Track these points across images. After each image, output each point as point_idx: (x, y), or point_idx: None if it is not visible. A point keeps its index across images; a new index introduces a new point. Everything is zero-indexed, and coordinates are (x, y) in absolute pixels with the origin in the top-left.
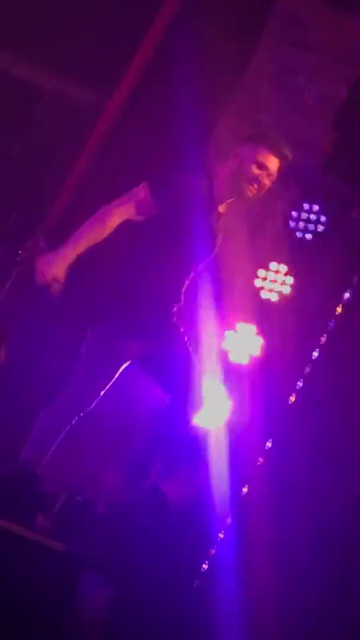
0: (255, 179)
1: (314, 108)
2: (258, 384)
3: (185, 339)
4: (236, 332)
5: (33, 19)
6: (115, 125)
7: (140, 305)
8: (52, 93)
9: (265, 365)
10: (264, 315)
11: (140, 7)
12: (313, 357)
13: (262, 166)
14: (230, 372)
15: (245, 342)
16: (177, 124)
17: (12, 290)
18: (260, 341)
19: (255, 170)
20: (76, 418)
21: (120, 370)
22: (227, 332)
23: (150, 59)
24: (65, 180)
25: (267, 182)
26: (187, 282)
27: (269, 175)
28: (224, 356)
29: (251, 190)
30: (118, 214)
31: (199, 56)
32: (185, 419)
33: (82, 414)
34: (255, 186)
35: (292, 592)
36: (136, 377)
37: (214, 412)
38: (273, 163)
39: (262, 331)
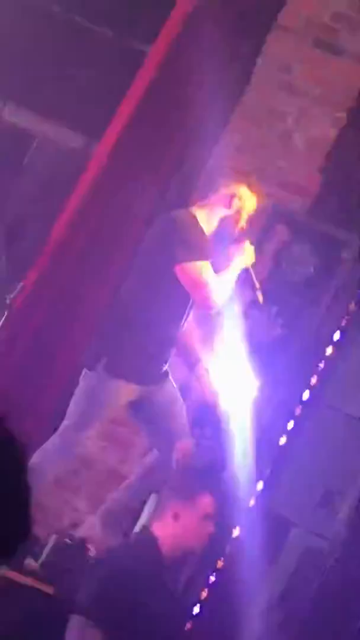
0: (243, 229)
1: (302, 151)
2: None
3: (176, 387)
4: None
5: (21, 63)
6: (104, 168)
7: (135, 348)
8: (40, 137)
9: (254, 406)
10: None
11: (129, 52)
12: (303, 399)
13: (250, 218)
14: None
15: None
16: (166, 166)
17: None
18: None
19: (246, 221)
20: (67, 461)
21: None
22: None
23: (139, 100)
24: (55, 224)
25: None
26: (182, 326)
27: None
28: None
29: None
30: None
31: (191, 93)
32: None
33: (72, 456)
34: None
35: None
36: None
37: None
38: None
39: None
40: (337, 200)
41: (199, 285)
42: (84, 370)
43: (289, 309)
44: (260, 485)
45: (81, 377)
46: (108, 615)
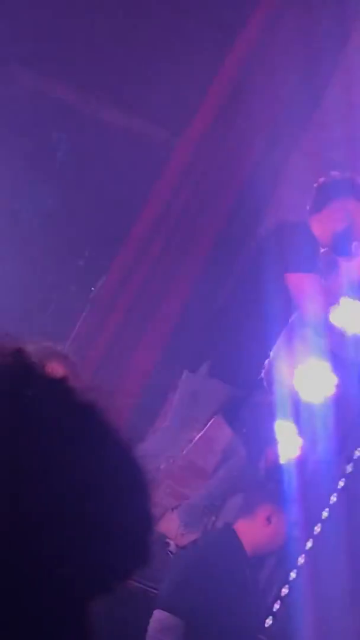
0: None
1: None
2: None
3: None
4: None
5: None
6: (187, 163)
7: (237, 353)
8: (124, 131)
9: (337, 402)
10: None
11: (211, 45)
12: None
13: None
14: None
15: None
16: (248, 163)
17: (83, 327)
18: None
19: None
20: (165, 463)
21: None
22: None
23: (221, 97)
24: (138, 219)
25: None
26: (278, 339)
27: None
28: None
29: (352, 251)
30: None
31: (270, 93)
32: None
33: (171, 460)
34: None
35: None
36: None
37: (285, 449)
38: None
39: (334, 371)
40: None
41: (308, 296)
42: (185, 373)
43: None
44: (342, 482)
45: (182, 379)
46: (189, 608)
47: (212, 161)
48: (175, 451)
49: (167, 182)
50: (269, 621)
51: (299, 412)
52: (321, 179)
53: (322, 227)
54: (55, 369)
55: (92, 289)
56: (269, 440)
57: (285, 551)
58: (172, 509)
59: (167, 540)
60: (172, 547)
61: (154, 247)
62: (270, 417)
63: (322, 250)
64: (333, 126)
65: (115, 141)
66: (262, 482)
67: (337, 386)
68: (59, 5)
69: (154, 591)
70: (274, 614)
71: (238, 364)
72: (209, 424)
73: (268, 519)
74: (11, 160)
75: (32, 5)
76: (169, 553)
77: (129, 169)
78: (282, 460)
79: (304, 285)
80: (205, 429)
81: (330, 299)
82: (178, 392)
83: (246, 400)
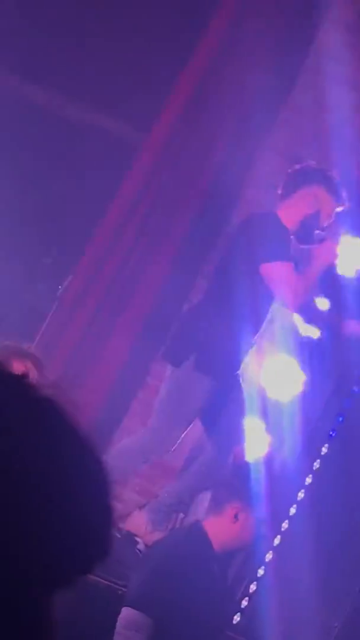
0: (324, 231)
1: (354, 144)
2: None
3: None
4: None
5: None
6: (154, 160)
7: (220, 347)
8: (91, 128)
9: (304, 400)
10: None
11: (179, 42)
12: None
13: (330, 219)
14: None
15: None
16: (216, 160)
17: (52, 324)
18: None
19: (327, 222)
20: (151, 459)
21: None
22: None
23: (188, 94)
24: (106, 214)
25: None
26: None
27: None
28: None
29: (316, 240)
30: None
31: (237, 91)
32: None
33: (159, 457)
34: (317, 234)
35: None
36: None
37: (253, 446)
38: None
39: (302, 368)
40: None
41: (285, 285)
42: (170, 368)
43: None
44: (309, 479)
45: (168, 375)
46: (157, 606)
47: (179, 158)
48: (164, 450)
49: (135, 179)
50: (237, 617)
51: (267, 409)
52: (295, 166)
53: (290, 213)
54: (16, 366)
55: (60, 287)
56: (238, 437)
57: (254, 548)
58: (140, 507)
59: (136, 538)
60: (141, 545)
61: (122, 244)
62: (240, 414)
63: (293, 238)
64: (301, 124)
65: (82, 138)
66: (230, 479)
67: (305, 383)
68: (22, 1)
69: (123, 589)
70: (242, 611)
71: (222, 358)
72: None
73: (235, 516)
74: None
75: None
76: (138, 551)
77: (95, 166)
78: (251, 457)
79: (279, 274)
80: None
81: (305, 286)
82: (164, 388)
83: (225, 396)
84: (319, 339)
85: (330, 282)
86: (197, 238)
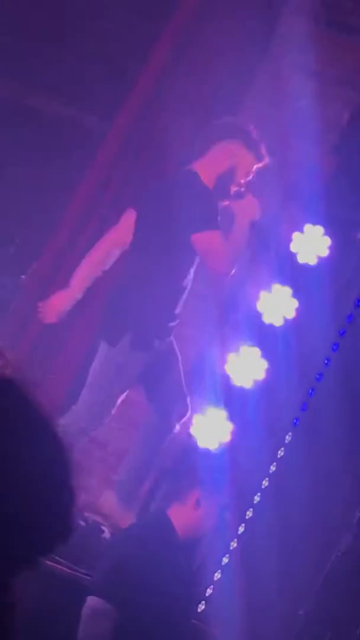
0: (242, 186)
1: (315, 131)
2: (261, 406)
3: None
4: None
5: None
6: (117, 149)
7: (153, 320)
8: (53, 117)
9: (267, 388)
10: (267, 339)
11: (141, 30)
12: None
13: (248, 175)
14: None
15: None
16: (178, 152)
17: (15, 314)
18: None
19: (244, 179)
20: (85, 437)
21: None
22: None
23: (150, 84)
24: (69, 205)
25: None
26: (183, 297)
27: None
28: (225, 378)
29: (233, 196)
30: (112, 245)
31: (199, 79)
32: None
33: (92, 432)
34: (235, 190)
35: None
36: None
37: (213, 434)
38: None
39: (264, 356)
40: (350, 182)
41: (215, 254)
42: (104, 345)
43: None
44: (273, 467)
45: (101, 354)
46: (122, 595)
47: (142, 148)
48: (99, 423)
49: (98, 168)
50: (202, 606)
51: (229, 397)
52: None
53: (206, 169)
54: None
55: (22, 276)
56: (177, 398)
57: (218, 535)
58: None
59: (102, 527)
60: (106, 534)
61: (86, 232)
62: (177, 379)
63: (220, 202)
64: (262, 112)
65: (44, 127)
66: (191, 466)
67: (267, 371)
68: None
69: (88, 578)
70: (206, 599)
71: (154, 331)
72: (124, 394)
73: (197, 502)
74: None
75: None
76: (103, 539)
77: (58, 155)
78: (213, 444)
79: (208, 244)
80: (121, 399)
81: (234, 251)
82: (98, 366)
83: (153, 362)
84: (283, 327)
85: (292, 271)
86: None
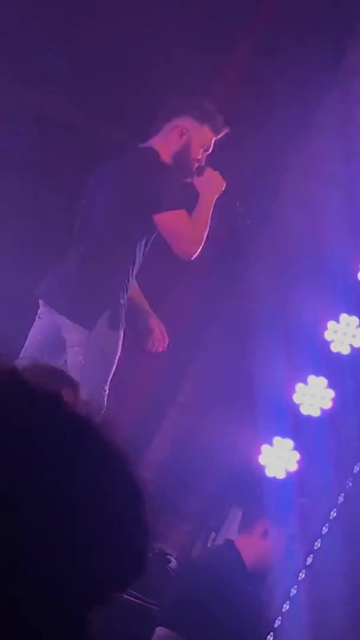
0: (200, 162)
1: None
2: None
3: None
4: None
5: None
6: None
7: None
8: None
9: (335, 417)
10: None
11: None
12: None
13: (207, 149)
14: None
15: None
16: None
17: None
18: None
19: (201, 155)
20: None
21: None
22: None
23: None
24: None
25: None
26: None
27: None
28: (293, 407)
29: (192, 173)
30: None
31: (264, 113)
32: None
33: None
34: (195, 167)
35: None
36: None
37: (280, 463)
38: (212, 143)
39: (331, 385)
40: None
41: (180, 234)
42: (85, 333)
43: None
44: (341, 497)
45: (84, 341)
46: (191, 625)
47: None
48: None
49: None
50: (270, 637)
51: (296, 426)
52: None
53: (161, 149)
54: (50, 386)
55: None
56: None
57: (286, 566)
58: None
59: (170, 556)
60: (173, 564)
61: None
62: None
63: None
64: (326, 144)
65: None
66: (258, 496)
67: (334, 399)
68: None
69: (156, 608)
70: (275, 630)
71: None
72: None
73: (265, 533)
74: None
75: None
76: (170, 570)
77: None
78: (279, 474)
79: (173, 224)
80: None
81: (201, 230)
82: (81, 353)
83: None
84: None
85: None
86: None
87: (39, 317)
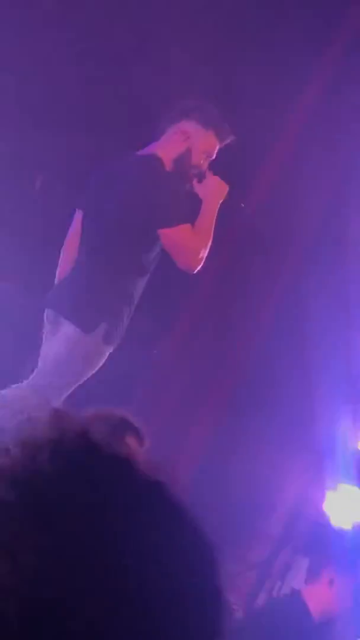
0: (201, 167)
1: None
2: None
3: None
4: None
5: None
6: None
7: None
8: None
9: None
10: None
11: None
12: None
13: (209, 155)
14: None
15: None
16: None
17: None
18: None
19: (203, 160)
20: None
21: None
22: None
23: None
24: None
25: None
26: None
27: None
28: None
29: (193, 179)
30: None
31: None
32: None
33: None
34: (196, 173)
35: None
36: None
37: (346, 511)
38: (216, 150)
39: None
40: None
41: (184, 249)
42: (78, 332)
43: None
44: None
45: (71, 338)
46: None
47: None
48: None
49: None
50: None
51: None
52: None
53: (162, 155)
54: (121, 444)
55: (155, 351)
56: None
57: (353, 616)
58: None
59: (234, 605)
60: (239, 614)
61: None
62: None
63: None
64: None
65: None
66: (324, 545)
67: None
68: None
69: None
70: None
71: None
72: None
73: (331, 582)
74: None
75: None
76: (236, 620)
77: None
78: (347, 523)
79: (178, 239)
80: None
81: (203, 242)
82: (65, 350)
83: None
84: None
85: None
86: None
87: (46, 337)
